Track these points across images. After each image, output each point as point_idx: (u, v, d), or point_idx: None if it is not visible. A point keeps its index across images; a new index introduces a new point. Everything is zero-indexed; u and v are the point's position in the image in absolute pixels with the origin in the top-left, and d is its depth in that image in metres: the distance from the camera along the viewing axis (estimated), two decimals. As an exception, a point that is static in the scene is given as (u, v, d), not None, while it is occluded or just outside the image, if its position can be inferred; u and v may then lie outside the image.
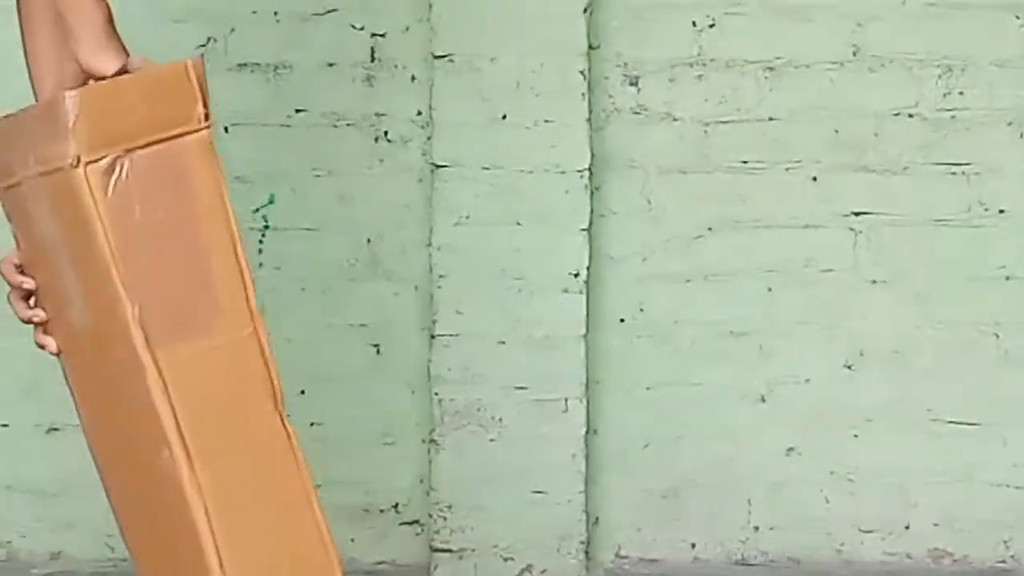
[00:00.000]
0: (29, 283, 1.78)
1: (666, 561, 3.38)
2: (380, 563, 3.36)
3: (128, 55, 1.75)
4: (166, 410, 1.69)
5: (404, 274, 3.32)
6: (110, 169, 1.68)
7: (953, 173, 3.33)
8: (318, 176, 3.31)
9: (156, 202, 1.70)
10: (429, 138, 3.27)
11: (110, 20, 1.75)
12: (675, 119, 3.32)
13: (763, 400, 3.36)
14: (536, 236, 3.25)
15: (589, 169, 3.26)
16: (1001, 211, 3.34)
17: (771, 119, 3.32)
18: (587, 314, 3.28)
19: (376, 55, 3.30)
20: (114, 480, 1.82)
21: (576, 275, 3.27)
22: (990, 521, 3.36)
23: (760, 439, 3.36)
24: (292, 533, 1.75)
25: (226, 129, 3.23)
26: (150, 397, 1.69)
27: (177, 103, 1.72)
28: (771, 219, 3.34)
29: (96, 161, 1.67)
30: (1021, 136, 3.33)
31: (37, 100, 1.81)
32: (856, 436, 3.36)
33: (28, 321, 1.79)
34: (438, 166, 3.25)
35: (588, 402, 3.29)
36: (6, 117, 1.77)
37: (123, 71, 1.74)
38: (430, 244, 3.27)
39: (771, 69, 3.32)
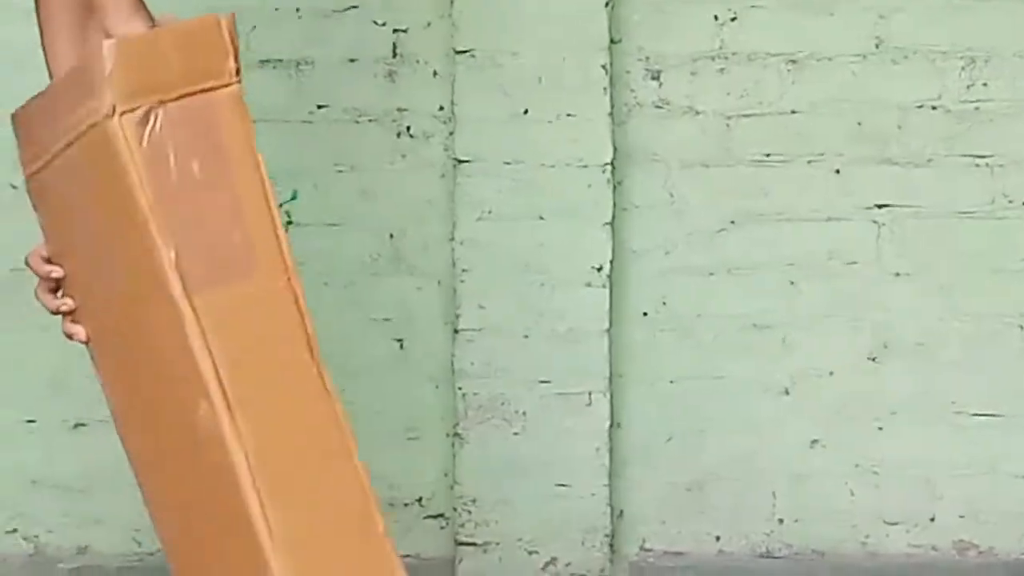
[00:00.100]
0: (57, 271, 1.79)
1: (691, 554, 3.38)
2: (405, 557, 3.29)
3: (154, 21, 1.77)
4: (204, 356, 1.68)
5: (427, 269, 3.33)
6: (144, 119, 1.69)
7: (977, 165, 3.32)
8: (340, 172, 3.32)
9: (189, 154, 1.71)
10: (451, 133, 3.28)
11: None
12: (697, 113, 3.32)
13: (787, 393, 3.36)
14: (559, 230, 3.26)
15: (611, 163, 3.26)
16: (1025, 203, 3.33)
17: (793, 112, 3.32)
18: (610, 308, 3.28)
19: (398, 51, 3.31)
20: (148, 465, 1.80)
21: (599, 269, 3.27)
22: (1015, 513, 3.35)
23: (784, 432, 3.36)
24: (333, 483, 1.74)
25: (249, 125, 3.24)
26: (188, 344, 1.68)
27: (209, 57, 1.73)
28: (794, 212, 3.34)
29: (131, 111, 1.69)
30: (1045, 128, 3.32)
31: None
32: (880, 428, 3.36)
33: (57, 311, 1.80)
34: (460, 161, 3.26)
35: (612, 396, 3.30)
36: (37, 95, 1.79)
37: None
38: (453, 239, 3.28)
39: (793, 62, 3.32)
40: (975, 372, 3.34)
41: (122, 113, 1.68)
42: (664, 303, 3.35)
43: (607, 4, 3.24)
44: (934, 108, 3.32)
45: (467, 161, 3.25)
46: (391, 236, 3.33)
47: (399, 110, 3.31)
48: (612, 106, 3.26)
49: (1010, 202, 3.33)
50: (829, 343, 3.35)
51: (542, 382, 3.28)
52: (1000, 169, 3.32)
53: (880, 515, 3.37)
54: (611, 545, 3.32)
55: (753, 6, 3.30)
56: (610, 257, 3.27)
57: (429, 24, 3.30)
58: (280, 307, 1.74)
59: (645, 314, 3.35)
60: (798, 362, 3.35)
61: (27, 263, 1.82)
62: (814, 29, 3.31)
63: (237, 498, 1.68)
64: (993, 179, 3.32)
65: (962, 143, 3.32)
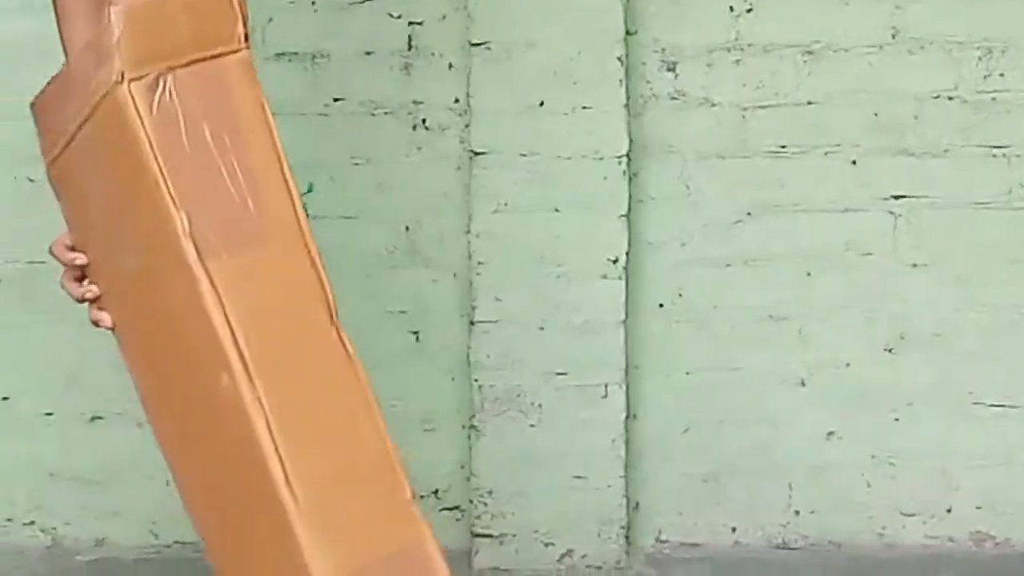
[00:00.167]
0: (81, 259, 1.79)
1: (707, 545, 3.38)
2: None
3: None
4: (223, 324, 1.66)
5: (443, 261, 3.33)
6: (153, 85, 1.68)
7: (993, 155, 3.32)
8: (356, 164, 3.33)
9: (199, 120, 1.70)
10: (467, 125, 3.28)
11: None
12: (713, 104, 3.32)
13: (803, 384, 3.36)
14: (575, 222, 3.26)
15: (627, 155, 3.26)
16: (1042, 193, 3.32)
17: (810, 103, 3.32)
18: (626, 300, 3.28)
19: (413, 43, 3.31)
20: (176, 446, 1.79)
21: (615, 261, 3.27)
22: (1032, 504, 3.35)
23: (800, 423, 3.36)
24: (356, 446, 1.72)
25: (265, 118, 3.24)
26: (206, 313, 1.67)
27: (218, 22, 1.72)
28: (810, 203, 3.33)
29: (140, 78, 1.68)
30: (1062, 118, 3.31)
31: None
32: (897, 420, 3.36)
33: (82, 299, 1.80)
34: (476, 153, 3.26)
35: (628, 387, 3.30)
36: (52, 79, 1.78)
37: None
38: (469, 231, 3.28)
39: (809, 53, 3.31)
40: (992, 363, 3.34)
41: (131, 80, 1.67)
42: (680, 295, 3.35)
43: (623, -4, 3.24)
44: (951, 99, 3.31)
45: (483, 153, 3.25)
46: (407, 228, 3.33)
47: (415, 103, 3.31)
48: (628, 98, 3.26)
49: (1027, 193, 3.32)
50: (845, 334, 3.35)
51: (558, 374, 3.28)
52: (1017, 159, 3.31)
53: (897, 506, 3.37)
54: (627, 537, 3.32)
55: (769, -3, 3.30)
56: (626, 249, 3.27)
57: (444, 16, 3.30)
58: (297, 272, 1.72)
59: (661, 306, 3.35)
60: (814, 353, 3.35)
61: (51, 252, 1.82)
62: (830, 20, 3.30)
63: (261, 466, 1.67)
64: (1010, 169, 3.31)
65: (979, 134, 3.31)
